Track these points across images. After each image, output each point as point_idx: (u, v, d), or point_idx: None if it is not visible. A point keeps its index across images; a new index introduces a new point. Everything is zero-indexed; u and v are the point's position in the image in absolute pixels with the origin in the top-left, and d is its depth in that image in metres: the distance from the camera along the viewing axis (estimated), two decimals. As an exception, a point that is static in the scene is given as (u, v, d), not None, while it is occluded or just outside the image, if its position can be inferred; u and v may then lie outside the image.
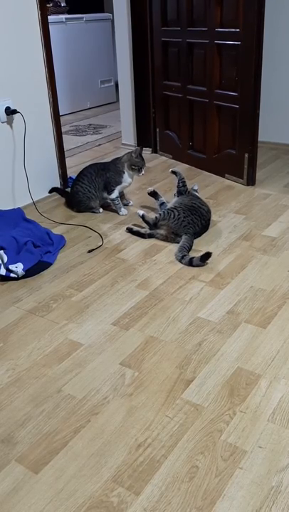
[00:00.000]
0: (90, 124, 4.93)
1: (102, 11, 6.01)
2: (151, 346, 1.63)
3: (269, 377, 1.47)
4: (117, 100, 4.54)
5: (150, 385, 1.46)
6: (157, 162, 3.57)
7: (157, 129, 3.67)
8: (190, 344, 1.63)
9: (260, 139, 2.96)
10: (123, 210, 2.67)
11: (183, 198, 2.46)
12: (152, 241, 2.35)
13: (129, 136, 3.87)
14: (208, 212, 2.41)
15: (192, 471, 1.19)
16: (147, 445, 1.27)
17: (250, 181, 2.97)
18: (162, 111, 3.56)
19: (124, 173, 2.60)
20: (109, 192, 2.62)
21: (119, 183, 2.61)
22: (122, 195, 2.73)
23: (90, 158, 3.75)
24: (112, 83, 5.86)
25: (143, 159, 2.60)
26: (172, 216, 2.29)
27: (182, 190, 2.55)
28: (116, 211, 2.68)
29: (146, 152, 3.76)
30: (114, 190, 2.61)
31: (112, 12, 3.79)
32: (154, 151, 3.75)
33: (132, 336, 1.69)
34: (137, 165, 2.58)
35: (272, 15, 3.30)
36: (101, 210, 2.72)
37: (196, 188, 2.59)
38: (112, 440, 1.29)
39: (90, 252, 2.28)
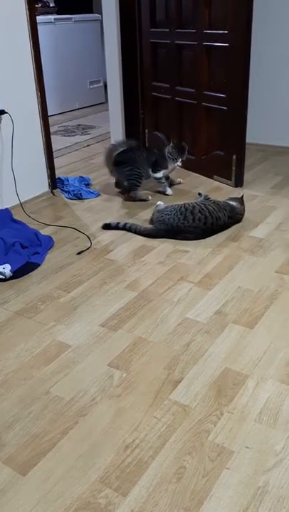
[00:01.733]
0: (79, 125, 4.92)
1: (91, 12, 5.99)
2: (140, 347, 1.63)
3: (256, 377, 1.48)
4: (106, 101, 4.54)
5: (138, 386, 1.47)
6: (146, 163, 3.57)
7: (146, 130, 3.68)
8: (178, 345, 1.64)
9: (248, 140, 2.98)
10: (169, 190, 2.91)
11: (197, 201, 2.48)
12: (141, 242, 2.35)
13: (118, 136, 3.86)
14: (216, 212, 2.38)
15: (180, 471, 1.20)
16: (135, 446, 1.27)
17: (238, 183, 2.99)
18: (151, 112, 3.57)
19: (166, 160, 2.83)
20: (155, 171, 2.85)
21: (166, 167, 2.85)
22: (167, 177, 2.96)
23: (78, 159, 3.74)
24: (101, 84, 5.85)
25: (180, 151, 2.82)
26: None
27: (199, 193, 2.72)
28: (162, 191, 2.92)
29: (135, 153, 3.77)
30: (160, 170, 2.85)
31: (101, 13, 3.79)
32: (143, 152, 3.75)
33: (120, 337, 1.69)
34: (173, 156, 2.80)
35: (261, 17, 3.32)
36: (150, 197, 2.88)
37: (238, 196, 2.59)
38: (100, 441, 1.29)
39: (79, 253, 2.27)
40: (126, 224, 2.48)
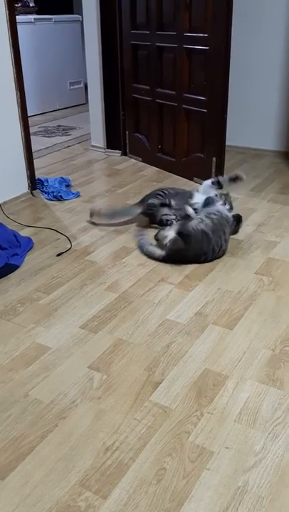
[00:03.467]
0: (59, 126, 4.89)
1: (72, 13, 5.97)
2: (120, 349, 1.63)
3: (236, 378, 1.49)
4: (87, 102, 4.53)
5: (118, 388, 1.46)
6: (127, 165, 3.57)
7: (127, 132, 3.68)
8: (158, 346, 1.64)
9: (227, 143, 3.00)
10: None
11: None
12: (122, 243, 2.35)
13: (98, 138, 3.86)
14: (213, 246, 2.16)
15: (160, 473, 1.20)
16: (115, 448, 1.27)
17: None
18: (132, 113, 3.57)
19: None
20: None
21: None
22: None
23: (59, 160, 3.72)
24: (82, 85, 5.83)
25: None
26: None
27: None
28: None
29: (116, 155, 3.77)
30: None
31: (81, 13, 3.78)
32: (124, 154, 3.76)
33: (100, 339, 1.68)
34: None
35: (241, 21, 3.35)
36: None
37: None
38: (79, 444, 1.28)
39: (59, 255, 2.26)
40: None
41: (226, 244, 2.21)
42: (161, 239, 2.22)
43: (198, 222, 2.13)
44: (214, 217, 2.18)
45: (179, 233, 2.11)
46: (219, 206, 2.29)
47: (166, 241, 2.16)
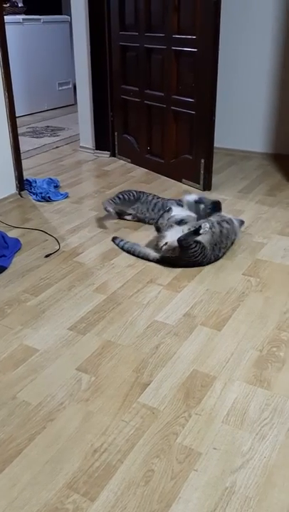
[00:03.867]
0: (48, 126, 4.88)
1: (60, 13, 5.96)
2: (108, 351, 1.63)
3: (224, 378, 1.50)
4: (75, 103, 4.52)
5: (107, 390, 1.46)
6: (116, 166, 3.57)
7: (115, 133, 3.68)
8: (147, 348, 1.64)
9: (216, 145, 3.02)
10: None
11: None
12: (110, 244, 2.35)
13: (87, 139, 3.86)
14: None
15: (148, 474, 1.20)
16: (103, 450, 1.26)
17: (206, 186, 3.02)
18: (120, 115, 3.57)
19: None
20: None
21: None
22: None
23: (47, 160, 3.71)
24: (70, 85, 5.82)
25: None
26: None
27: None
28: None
29: (105, 156, 3.77)
30: None
31: (70, 14, 3.77)
32: (113, 155, 3.76)
33: (88, 340, 1.68)
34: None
35: (229, 23, 3.37)
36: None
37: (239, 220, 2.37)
38: (67, 446, 1.28)
39: (47, 256, 2.25)
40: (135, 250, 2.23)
41: (224, 251, 2.20)
42: (158, 240, 2.21)
43: (207, 228, 2.05)
44: (225, 225, 2.17)
45: (179, 242, 2.06)
46: (229, 215, 2.29)
47: (163, 243, 2.15)
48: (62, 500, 1.14)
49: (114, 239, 2.36)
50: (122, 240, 2.32)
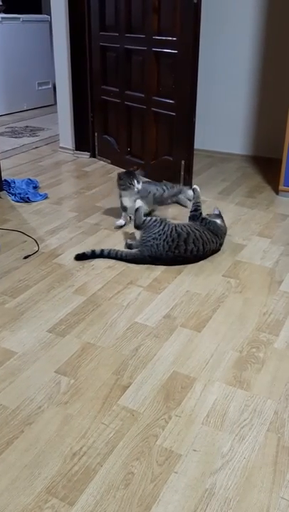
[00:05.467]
0: (27, 126, 4.83)
1: (40, 12, 5.92)
2: (88, 353, 1.61)
3: (203, 380, 1.50)
4: (55, 103, 4.49)
5: (86, 392, 1.45)
6: (96, 166, 3.56)
7: (96, 134, 3.66)
8: (127, 349, 1.63)
9: (196, 146, 3.03)
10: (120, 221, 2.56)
11: (192, 224, 2.21)
12: (90, 245, 2.33)
13: (67, 139, 3.83)
14: (210, 243, 2.19)
15: (128, 477, 1.19)
16: (83, 453, 1.25)
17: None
18: (101, 115, 3.56)
19: (121, 196, 2.54)
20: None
21: (121, 203, 2.55)
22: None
23: (26, 161, 3.67)
24: (50, 85, 5.78)
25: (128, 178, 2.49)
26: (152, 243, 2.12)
27: (194, 215, 2.28)
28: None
29: (85, 156, 3.75)
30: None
31: (49, 14, 3.74)
32: (93, 156, 3.74)
33: (68, 342, 1.66)
34: (122, 184, 2.50)
35: (209, 25, 3.39)
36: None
37: (217, 212, 2.38)
38: (46, 450, 1.26)
39: (26, 258, 2.22)
40: (103, 251, 2.18)
41: (206, 247, 2.18)
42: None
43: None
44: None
45: (137, 228, 2.24)
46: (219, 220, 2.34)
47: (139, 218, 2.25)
48: (41, 505, 1.12)
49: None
50: (93, 251, 2.22)
